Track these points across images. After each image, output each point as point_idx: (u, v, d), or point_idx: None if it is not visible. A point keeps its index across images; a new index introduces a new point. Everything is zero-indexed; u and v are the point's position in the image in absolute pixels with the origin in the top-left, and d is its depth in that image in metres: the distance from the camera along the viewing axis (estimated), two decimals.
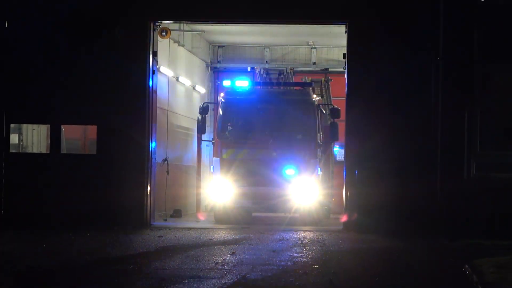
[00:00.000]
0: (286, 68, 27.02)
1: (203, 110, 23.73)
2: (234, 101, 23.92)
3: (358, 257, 16.32)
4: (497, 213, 19.92)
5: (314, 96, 24.36)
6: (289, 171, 23.03)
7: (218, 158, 23.39)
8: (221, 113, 23.81)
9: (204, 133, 24.13)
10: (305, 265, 14.64)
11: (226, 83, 24.30)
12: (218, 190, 23.23)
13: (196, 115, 24.44)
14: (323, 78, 27.44)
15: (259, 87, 25.21)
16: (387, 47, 20.67)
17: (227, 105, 23.81)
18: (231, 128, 23.71)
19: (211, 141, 24.43)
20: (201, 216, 25.49)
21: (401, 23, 20.64)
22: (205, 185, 26.21)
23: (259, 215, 25.65)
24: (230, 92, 24.29)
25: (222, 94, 24.47)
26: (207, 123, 24.55)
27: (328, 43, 29.91)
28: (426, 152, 20.50)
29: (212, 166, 24.05)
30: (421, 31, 20.61)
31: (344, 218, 23.20)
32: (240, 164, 23.08)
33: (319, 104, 24.29)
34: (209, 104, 24.59)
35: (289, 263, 14.89)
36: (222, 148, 23.41)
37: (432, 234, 19.68)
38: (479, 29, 20.39)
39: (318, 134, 23.71)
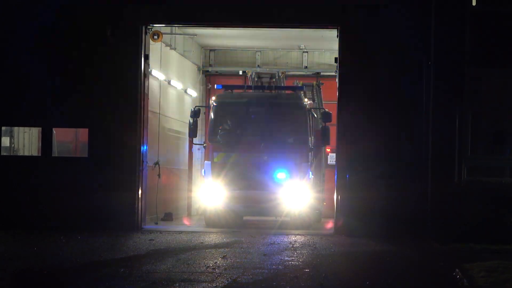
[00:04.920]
0: (278, 72, 27.04)
1: (195, 114, 23.67)
2: (225, 105, 23.91)
3: (349, 261, 16.34)
4: (488, 217, 19.92)
5: (306, 100, 24.39)
6: (280, 174, 23.03)
7: (209, 162, 23.39)
8: (212, 117, 23.80)
9: (195, 136, 24.09)
10: (296, 269, 14.63)
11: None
12: (209, 193, 23.20)
13: (188, 118, 24.46)
14: (314, 82, 27.48)
15: (251, 91, 25.25)
16: (378, 51, 20.72)
17: (218, 109, 23.79)
18: (222, 131, 23.71)
19: (203, 144, 24.38)
20: (187, 221, 25.40)
21: (392, 27, 20.69)
22: (196, 188, 26.19)
23: (250, 219, 25.64)
24: (222, 96, 24.29)
25: (213, 98, 24.47)
26: (200, 127, 24.53)
27: (320, 47, 29.96)
28: (417, 156, 20.54)
29: (203, 170, 24.01)
30: (412, 36, 20.66)
31: (329, 224, 23.29)
32: (231, 167, 23.06)
33: (310, 108, 24.30)
34: (200, 108, 24.57)
35: (280, 266, 14.88)
36: (213, 151, 23.40)
37: (423, 238, 19.74)
38: (470, 34, 20.43)
39: (310, 138, 23.71)
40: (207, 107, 25.37)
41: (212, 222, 23.18)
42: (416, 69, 20.59)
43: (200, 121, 25.18)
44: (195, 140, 24.73)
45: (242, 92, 25.00)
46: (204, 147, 24.08)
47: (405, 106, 20.68)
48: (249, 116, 23.81)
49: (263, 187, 22.89)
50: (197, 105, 27.06)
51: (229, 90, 24.59)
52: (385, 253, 17.40)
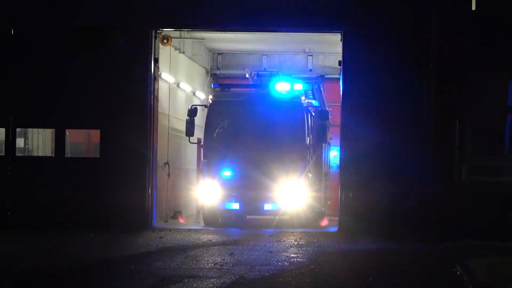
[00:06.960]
0: (278, 71, 26.84)
1: (191, 113, 23.34)
2: (222, 103, 23.63)
3: (352, 258, 16.53)
4: (487, 215, 20.17)
5: (303, 98, 23.96)
6: (278, 173, 22.65)
7: (206, 161, 23.22)
8: (209, 115, 23.53)
9: (192, 135, 23.64)
10: (301, 266, 14.80)
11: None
12: (206, 192, 23.00)
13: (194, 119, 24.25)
14: (313, 81, 27.19)
15: (249, 89, 25.05)
16: (381, 55, 20.93)
17: (215, 107, 23.55)
18: (219, 130, 23.40)
19: (200, 143, 24.23)
20: (182, 220, 25.27)
21: (394, 31, 20.91)
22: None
23: (250, 218, 25.46)
24: (219, 94, 24.07)
25: (211, 96, 24.23)
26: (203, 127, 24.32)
27: (324, 50, 30.02)
28: (420, 156, 20.76)
29: (200, 169, 23.87)
30: (414, 39, 20.89)
31: (325, 222, 23.35)
32: (227, 166, 22.87)
33: (308, 106, 23.97)
34: (197, 107, 23.98)
35: (285, 263, 15.04)
36: (210, 150, 23.26)
37: (425, 236, 19.89)
38: (471, 37, 20.65)
39: (308, 137, 23.43)
40: (205, 106, 25.12)
41: (209, 221, 23.05)
42: (418, 71, 20.84)
43: (202, 121, 25.01)
44: (192, 139, 24.50)
45: (240, 90, 24.84)
46: (201, 146, 23.94)
47: (408, 107, 20.88)
48: (246, 115, 23.35)
49: (260, 186, 22.55)
50: (194, 104, 26.72)
51: (227, 89, 24.43)
52: (387, 251, 17.60)
